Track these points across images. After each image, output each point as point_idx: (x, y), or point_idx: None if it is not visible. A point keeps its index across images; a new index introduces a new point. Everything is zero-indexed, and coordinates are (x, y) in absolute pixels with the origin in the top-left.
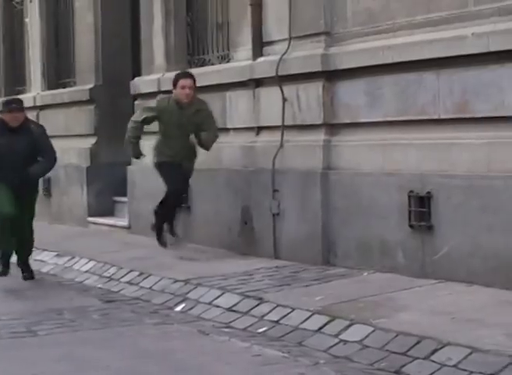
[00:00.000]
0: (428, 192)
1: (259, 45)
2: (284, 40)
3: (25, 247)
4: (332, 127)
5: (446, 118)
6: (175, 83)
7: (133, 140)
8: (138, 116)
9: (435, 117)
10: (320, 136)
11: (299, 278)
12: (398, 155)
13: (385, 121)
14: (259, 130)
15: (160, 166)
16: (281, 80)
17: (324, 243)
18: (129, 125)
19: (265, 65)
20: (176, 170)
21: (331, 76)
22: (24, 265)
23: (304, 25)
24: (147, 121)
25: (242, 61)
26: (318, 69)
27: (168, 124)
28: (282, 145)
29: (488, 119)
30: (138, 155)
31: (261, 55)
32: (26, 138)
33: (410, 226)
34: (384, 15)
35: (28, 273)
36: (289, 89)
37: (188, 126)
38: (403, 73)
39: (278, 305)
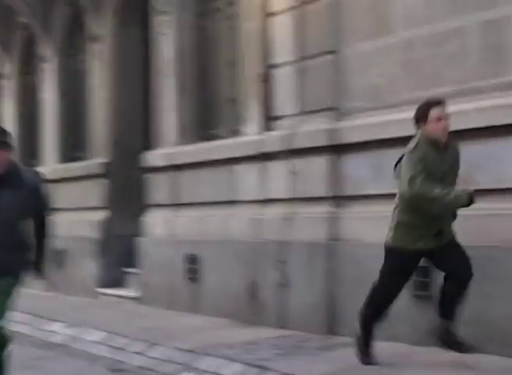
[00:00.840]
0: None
1: (268, 120)
2: (292, 115)
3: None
4: (338, 199)
5: None
6: (425, 116)
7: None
8: (415, 172)
9: None
10: (326, 208)
11: (304, 347)
12: None
13: (390, 193)
14: (267, 202)
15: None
16: (289, 153)
17: (329, 313)
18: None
19: (274, 139)
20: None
21: (337, 149)
22: None
23: (312, 100)
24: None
25: (251, 135)
26: (325, 143)
27: None
28: (288, 217)
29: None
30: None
31: (270, 129)
32: (14, 193)
33: (415, 296)
34: (389, 90)
35: None
36: (297, 162)
37: (450, 178)
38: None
39: (282, 374)
